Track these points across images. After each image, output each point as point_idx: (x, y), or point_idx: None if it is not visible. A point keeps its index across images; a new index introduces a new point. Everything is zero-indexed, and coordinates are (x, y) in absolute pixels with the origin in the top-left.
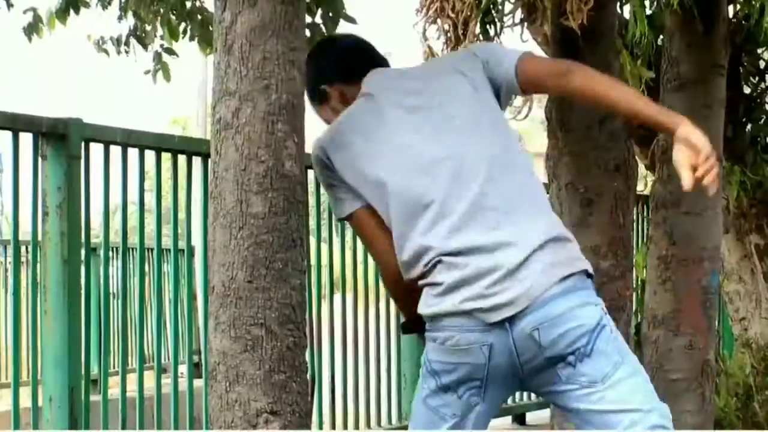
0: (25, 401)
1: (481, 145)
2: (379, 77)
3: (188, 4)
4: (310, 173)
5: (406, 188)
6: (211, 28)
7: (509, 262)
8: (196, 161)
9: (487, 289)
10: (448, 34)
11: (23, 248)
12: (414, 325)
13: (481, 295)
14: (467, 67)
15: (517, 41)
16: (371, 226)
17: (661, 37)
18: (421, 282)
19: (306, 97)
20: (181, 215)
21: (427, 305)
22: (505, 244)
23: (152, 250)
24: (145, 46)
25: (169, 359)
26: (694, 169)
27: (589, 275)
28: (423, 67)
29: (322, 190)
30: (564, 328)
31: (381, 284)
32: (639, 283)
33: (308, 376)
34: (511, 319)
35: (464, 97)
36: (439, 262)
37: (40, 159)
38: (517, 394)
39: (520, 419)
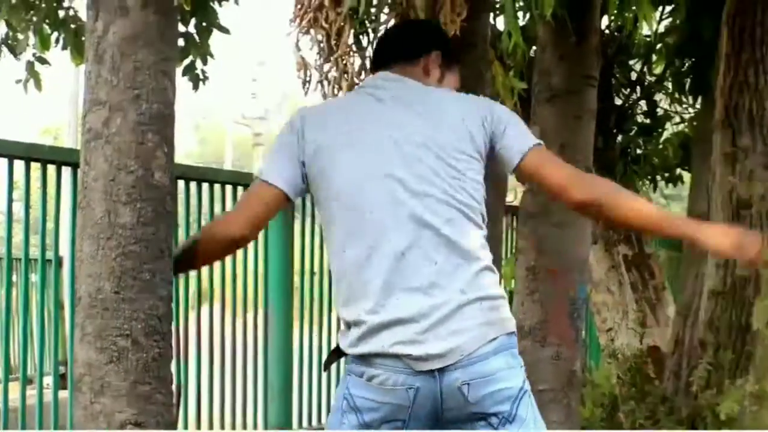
0: None
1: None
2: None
3: (61, 13)
4: (180, 184)
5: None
6: (83, 38)
7: (444, 311)
8: (66, 171)
9: (419, 335)
10: (321, 45)
11: None
12: (336, 356)
13: (412, 341)
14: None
15: None
16: (256, 203)
17: (534, 48)
18: (349, 317)
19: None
20: (50, 225)
21: (355, 344)
22: (441, 294)
23: (19, 260)
24: (15, 55)
25: (35, 370)
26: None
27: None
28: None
29: (193, 200)
30: (493, 387)
31: (249, 295)
32: (507, 294)
33: (174, 386)
34: (441, 369)
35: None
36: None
37: None
38: None
39: None
